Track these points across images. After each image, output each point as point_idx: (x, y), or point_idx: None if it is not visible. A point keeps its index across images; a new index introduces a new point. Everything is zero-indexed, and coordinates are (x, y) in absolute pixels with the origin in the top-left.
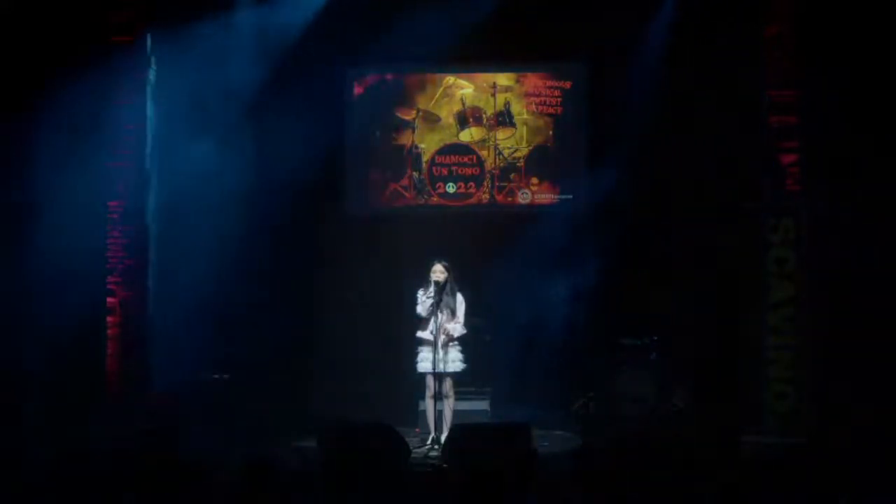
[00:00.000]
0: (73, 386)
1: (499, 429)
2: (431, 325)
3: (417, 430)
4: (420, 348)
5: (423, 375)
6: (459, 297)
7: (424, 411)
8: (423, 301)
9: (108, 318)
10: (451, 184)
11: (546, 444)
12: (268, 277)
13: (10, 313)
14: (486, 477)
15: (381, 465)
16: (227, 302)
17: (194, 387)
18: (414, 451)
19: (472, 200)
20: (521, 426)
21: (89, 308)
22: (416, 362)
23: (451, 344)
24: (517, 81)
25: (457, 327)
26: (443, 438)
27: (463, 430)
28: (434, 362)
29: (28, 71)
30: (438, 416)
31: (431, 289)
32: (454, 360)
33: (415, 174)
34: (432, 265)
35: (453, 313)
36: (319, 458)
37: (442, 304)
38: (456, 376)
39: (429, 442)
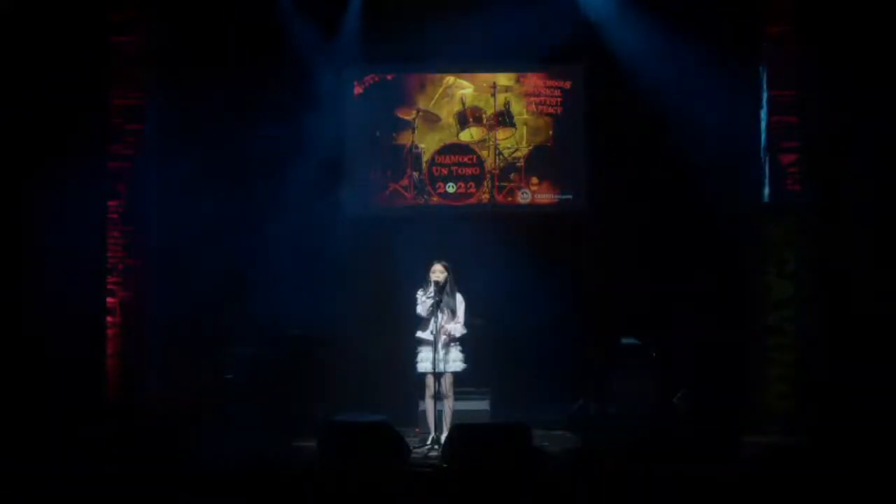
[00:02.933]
0: (74, 386)
1: (499, 429)
2: (431, 326)
3: (417, 430)
4: (420, 348)
5: (423, 375)
6: (459, 297)
7: (424, 411)
8: (423, 301)
9: (108, 318)
10: (451, 184)
11: (546, 444)
12: (267, 277)
13: (11, 314)
14: (486, 477)
15: (381, 465)
16: (228, 302)
17: (194, 387)
18: (414, 451)
19: (472, 200)
20: (521, 426)
21: (89, 308)
22: (416, 362)
23: (451, 344)
24: (517, 81)
25: (457, 327)
26: (443, 438)
27: (463, 430)
28: (434, 362)
29: (26, 69)
30: (438, 416)
31: (431, 289)
32: (454, 360)
33: (415, 174)
34: (432, 265)
35: (453, 313)
36: (319, 458)
37: (442, 304)
38: (456, 376)
39: (429, 442)
